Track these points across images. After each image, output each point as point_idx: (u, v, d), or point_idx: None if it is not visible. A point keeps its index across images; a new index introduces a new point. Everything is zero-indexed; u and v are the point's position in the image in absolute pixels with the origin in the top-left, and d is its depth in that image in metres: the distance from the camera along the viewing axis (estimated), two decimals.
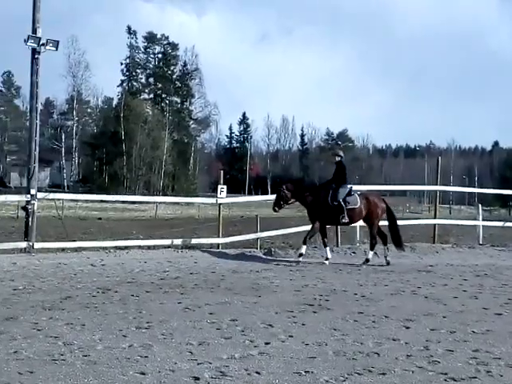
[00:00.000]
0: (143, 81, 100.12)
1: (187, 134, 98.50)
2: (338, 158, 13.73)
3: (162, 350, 5.85)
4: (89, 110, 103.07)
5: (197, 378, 5.01)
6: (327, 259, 13.14)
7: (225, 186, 15.30)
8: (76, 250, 13.70)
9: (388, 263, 13.07)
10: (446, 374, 5.27)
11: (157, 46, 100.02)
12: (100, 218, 42.71)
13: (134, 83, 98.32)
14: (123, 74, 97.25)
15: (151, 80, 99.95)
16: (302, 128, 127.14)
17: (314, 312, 7.85)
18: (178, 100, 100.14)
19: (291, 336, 6.48)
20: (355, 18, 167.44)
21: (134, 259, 13.01)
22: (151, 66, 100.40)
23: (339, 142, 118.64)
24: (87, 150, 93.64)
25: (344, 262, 13.40)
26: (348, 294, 9.37)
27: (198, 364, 5.41)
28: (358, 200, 13.31)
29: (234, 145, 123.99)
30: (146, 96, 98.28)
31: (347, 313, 7.75)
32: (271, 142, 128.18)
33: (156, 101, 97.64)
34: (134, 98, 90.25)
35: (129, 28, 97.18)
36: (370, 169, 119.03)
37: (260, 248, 15.00)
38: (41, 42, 13.44)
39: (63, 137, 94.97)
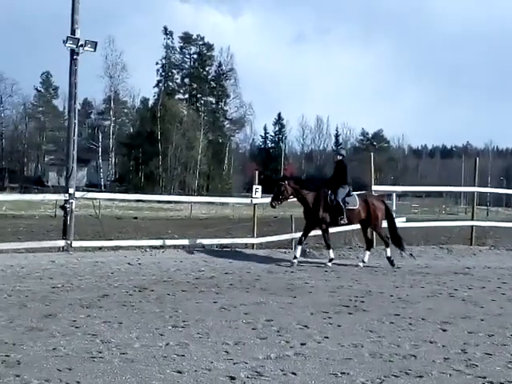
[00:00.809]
0: (179, 81, 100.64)
1: (222, 134, 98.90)
2: (338, 157, 13.52)
3: (199, 349, 5.89)
4: (125, 111, 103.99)
5: (233, 378, 5.04)
6: (295, 258, 12.88)
7: (259, 186, 15.32)
8: (113, 248, 13.83)
9: (357, 265, 12.90)
10: (484, 377, 5.22)
11: (192, 47, 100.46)
12: (136, 218, 43.05)
13: (170, 83, 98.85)
14: (159, 75, 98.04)
15: (187, 80, 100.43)
16: (337, 128, 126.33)
17: (350, 313, 7.82)
18: (213, 100, 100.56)
19: (327, 337, 6.46)
20: (391, 16, 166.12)
21: (169, 258, 13.11)
22: (187, 66, 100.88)
23: (374, 143, 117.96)
24: (124, 149, 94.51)
25: (379, 263, 13.31)
26: (384, 295, 9.31)
27: (234, 364, 5.43)
28: (357, 201, 13.11)
29: (269, 145, 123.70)
30: (181, 96, 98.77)
31: (383, 315, 7.70)
32: (306, 143, 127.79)
33: (191, 101, 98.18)
34: (170, 99, 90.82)
35: (165, 29, 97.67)
36: (406, 169, 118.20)
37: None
38: (79, 43, 13.54)
39: (100, 137, 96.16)
